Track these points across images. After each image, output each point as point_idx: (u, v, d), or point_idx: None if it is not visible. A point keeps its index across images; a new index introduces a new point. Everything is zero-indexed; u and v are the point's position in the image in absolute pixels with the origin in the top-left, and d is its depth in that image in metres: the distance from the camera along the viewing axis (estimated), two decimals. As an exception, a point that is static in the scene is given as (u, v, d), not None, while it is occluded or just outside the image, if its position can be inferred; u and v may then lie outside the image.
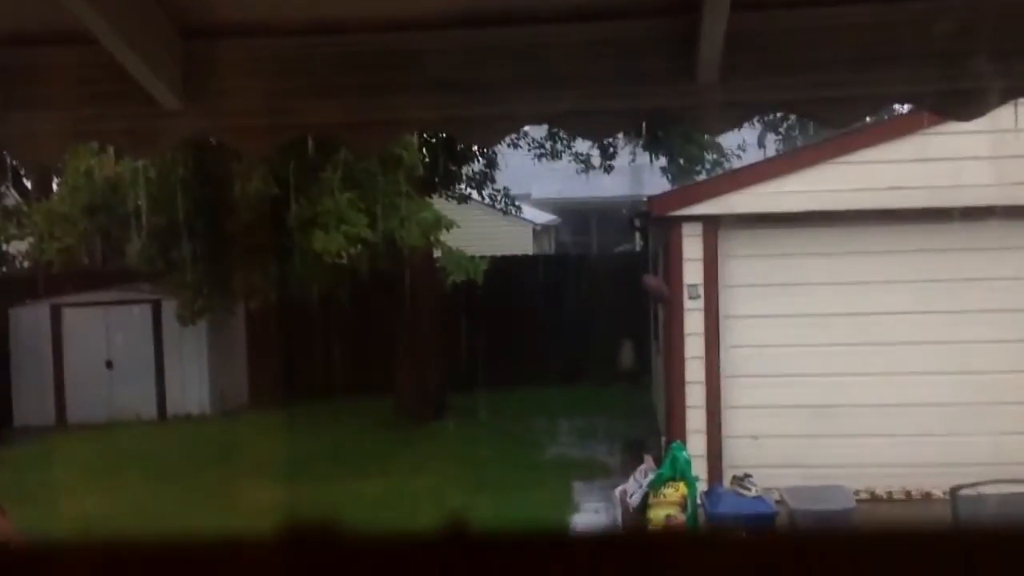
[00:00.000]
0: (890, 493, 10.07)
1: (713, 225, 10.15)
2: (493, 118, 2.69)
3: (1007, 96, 2.46)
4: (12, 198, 21.05)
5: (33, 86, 2.70)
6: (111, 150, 10.09)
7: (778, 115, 18.14)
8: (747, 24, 2.37)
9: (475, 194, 19.03)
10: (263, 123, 2.78)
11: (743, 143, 20.52)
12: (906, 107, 8.28)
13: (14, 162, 19.15)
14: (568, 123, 2.70)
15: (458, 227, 13.53)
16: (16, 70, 2.70)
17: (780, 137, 24.31)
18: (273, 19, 2.66)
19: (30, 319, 15.95)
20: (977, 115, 2.41)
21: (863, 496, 9.68)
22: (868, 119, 8.62)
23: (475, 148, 15.79)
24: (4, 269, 18.03)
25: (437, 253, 13.95)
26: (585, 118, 2.59)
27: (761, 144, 23.70)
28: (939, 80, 2.46)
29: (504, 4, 2.57)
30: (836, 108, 2.51)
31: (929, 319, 9.93)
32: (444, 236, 13.53)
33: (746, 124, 2.66)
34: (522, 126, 2.68)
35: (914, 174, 9.69)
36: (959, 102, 2.43)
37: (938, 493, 9.29)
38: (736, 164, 18.18)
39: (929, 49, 2.42)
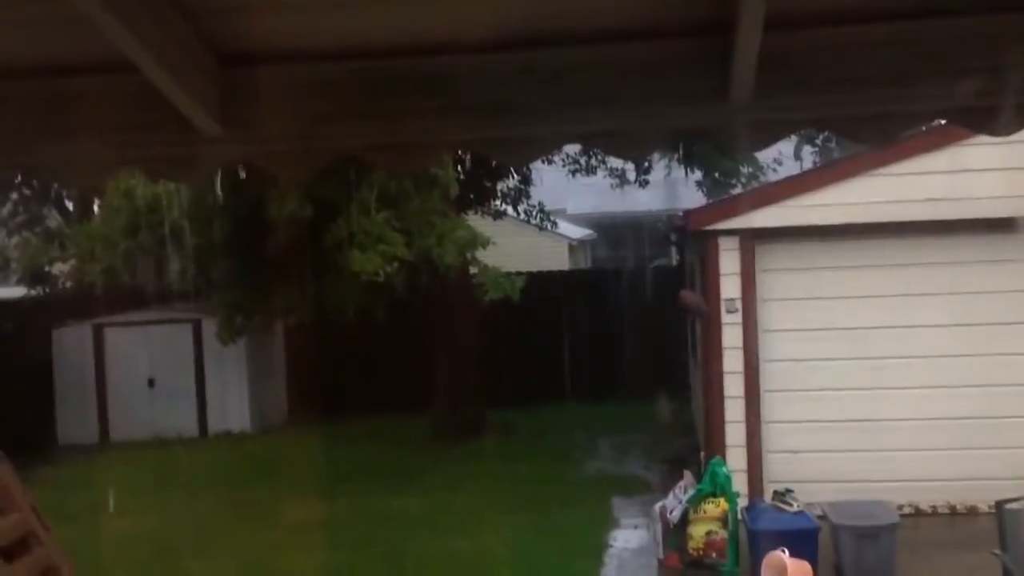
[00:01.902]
0: (934, 508, 9.97)
1: (750, 239, 10.12)
2: (526, 140, 2.72)
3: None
4: (55, 220, 21.36)
5: (75, 114, 2.75)
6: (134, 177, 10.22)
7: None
8: (780, 43, 2.38)
9: (510, 210, 19.08)
10: (299, 148, 2.81)
11: (779, 155, 20.44)
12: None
13: (56, 186, 19.46)
14: (601, 144, 2.71)
15: (494, 244, 13.58)
16: (59, 99, 2.75)
17: (816, 149, 24.18)
18: (309, 45, 2.70)
19: (73, 339, 16.16)
20: (1012, 130, 2.40)
21: (907, 511, 9.59)
22: (900, 137, 8.56)
23: (509, 166, 15.83)
24: (47, 290, 18.27)
25: (473, 270, 14.00)
26: (619, 138, 2.60)
27: (797, 156, 23.58)
28: (971, 95, 2.46)
29: (536, 27, 2.59)
30: (870, 126, 2.51)
31: (964, 332, 9.85)
32: (480, 253, 13.57)
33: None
34: (556, 147, 2.70)
35: (948, 186, 9.61)
36: (991, 117, 2.42)
37: (983, 507, 9.18)
38: (772, 177, 18.11)
39: (961, 65, 2.41)
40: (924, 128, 8.99)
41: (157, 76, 2.52)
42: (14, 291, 19.39)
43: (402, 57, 2.71)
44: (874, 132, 2.51)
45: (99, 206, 16.82)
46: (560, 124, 2.67)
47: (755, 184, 17.15)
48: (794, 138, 23.13)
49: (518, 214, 19.58)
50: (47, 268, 18.21)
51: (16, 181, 17.81)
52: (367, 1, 2.53)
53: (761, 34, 2.26)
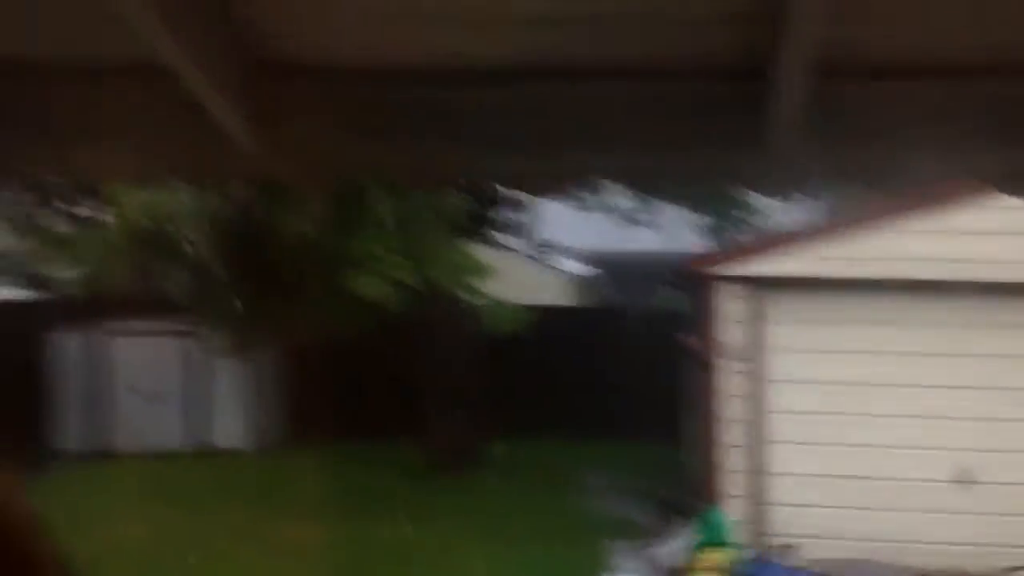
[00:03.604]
0: (944, 573, 9.77)
1: (754, 286, 10.10)
2: (554, 173, 2.71)
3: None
4: (61, 226, 21.33)
5: (106, 117, 2.75)
6: (161, 184, 10.21)
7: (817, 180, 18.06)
8: (819, 91, 2.37)
9: (512, 242, 19.09)
10: (328, 163, 2.81)
11: (770, 201, 20.39)
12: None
13: (63, 192, 19.45)
14: (630, 180, 2.71)
15: (496, 274, 13.56)
16: (90, 101, 2.74)
17: (818, 201, 24.18)
18: (345, 61, 2.70)
19: (73, 346, 16.10)
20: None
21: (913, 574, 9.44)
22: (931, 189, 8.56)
23: (515, 197, 15.87)
24: (50, 296, 18.22)
25: (475, 300, 13.97)
26: (651, 178, 2.59)
27: (801, 207, 23.58)
28: (1008, 160, 2.45)
29: (574, 60, 2.59)
30: (902, 178, 2.50)
31: (974, 394, 9.80)
32: (482, 284, 13.55)
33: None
34: (584, 180, 2.70)
35: (960, 246, 9.61)
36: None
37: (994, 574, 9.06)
38: (766, 223, 18.08)
39: (1000, 126, 2.41)
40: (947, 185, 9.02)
41: (192, 82, 2.52)
42: (14, 293, 19.33)
43: (436, 81, 2.71)
44: (904, 183, 2.50)
45: (106, 214, 16.80)
46: (588, 159, 2.66)
47: (758, 231, 17.15)
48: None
49: (521, 247, 19.60)
50: (49, 273, 18.15)
51: (27, 184, 17.79)
52: (410, 23, 2.53)
53: (802, 80, 2.26)
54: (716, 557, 8.76)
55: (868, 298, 9.96)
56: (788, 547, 8.61)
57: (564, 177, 2.82)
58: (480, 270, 13.17)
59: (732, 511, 9.63)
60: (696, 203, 16.97)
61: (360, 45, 2.66)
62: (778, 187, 2.61)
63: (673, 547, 9.07)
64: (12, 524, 0.58)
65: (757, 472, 9.99)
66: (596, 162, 2.69)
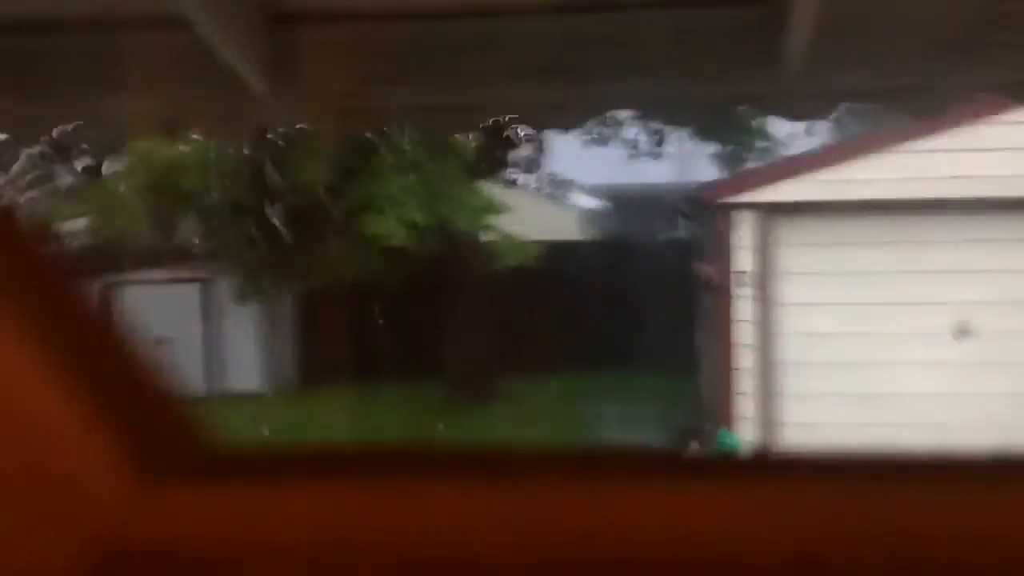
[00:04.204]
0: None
1: (766, 212, 10.10)
2: (576, 104, 2.72)
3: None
4: (68, 178, 21.37)
5: (125, 69, 2.76)
6: (179, 133, 10.21)
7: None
8: (836, 12, 2.37)
9: (522, 179, 19.06)
10: (346, 107, 2.82)
11: (792, 130, 20.31)
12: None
13: (70, 142, 19.46)
14: (653, 110, 2.72)
15: (507, 212, 13.58)
16: (109, 53, 2.76)
17: (831, 124, 24.03)
18: (359, 5, 2.70)
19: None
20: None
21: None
22: (953, 108, 8.51)
23: (523, 133, 15.83)
24: (59, 248, 18.31)
25: (488, 237, 14.00)
26: (670, 106, 2.60)
27: (810, 131, 23.45)
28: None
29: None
30: (924, 97, 2.51)
31: (991, 308, 9.83)
32: (494, 221, 13.57)
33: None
34: (606, 112, 2.71)
35: (972, 164, 9.58)
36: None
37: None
38: (786, 152, 18.04)
39: (1019, 39, 2.41)
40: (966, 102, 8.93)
41: (208, 32, 2.53)
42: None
43: (451, 19, 2.71)
44: (929, 104, 2.51)
45: (115, 165, 16.82)
46: (611, 89, 2.67)
47: (769, 159, 17.09)
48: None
49: (531, 183, 19.57)
50: (58, 225, 18.22)
51: (47, 138, 17.79)
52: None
53: (818, 2, 2.26)
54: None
55: (881, 220, 9.95)
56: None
57: (588, 109, 2.82)
58: (494, 208, 13.18)
59: (742, 433, 9.75)
60: (708, 132, 16.91)
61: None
62: (798, 112, 2.62)
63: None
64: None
65: (769, 394, 10.09)
66: (619, 92, 2.70)
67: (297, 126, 3.00)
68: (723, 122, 16.17)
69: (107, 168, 18.65)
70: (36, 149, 20.86)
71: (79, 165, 21.31)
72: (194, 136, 9.35)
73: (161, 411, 0.60)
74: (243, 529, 0.56)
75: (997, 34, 2.45)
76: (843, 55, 2.50)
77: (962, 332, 9.24)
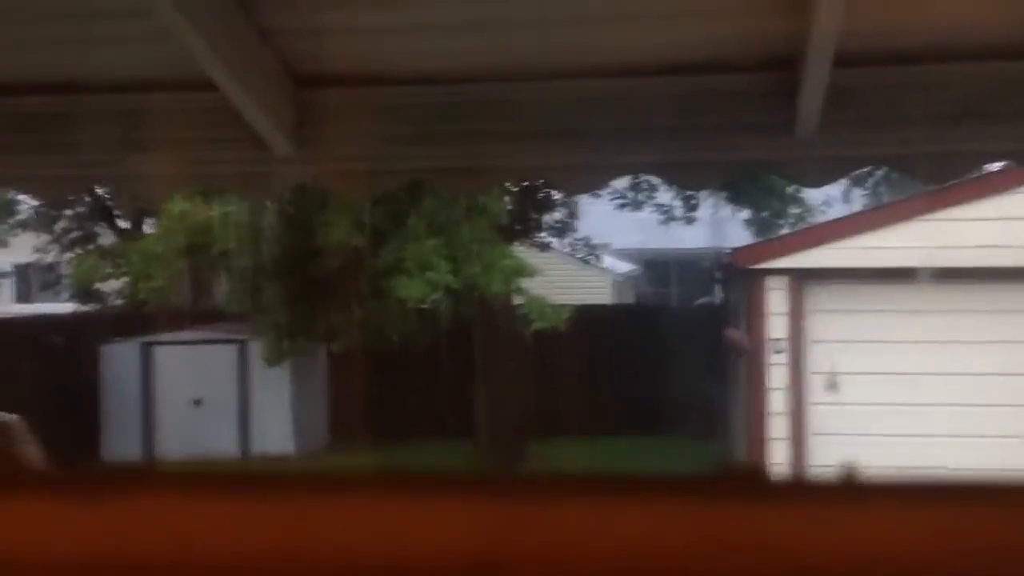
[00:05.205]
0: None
1: (799, 278, 10.07)
2: (592, 168, 2.76)
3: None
4: (108, 238, 21.66)
5: (153, 129, 2.83)
6: (207, 194, 10.37)
7: (865, 170, 17.98)
8: (848, 79, 2.40)
9: (556, 242, 19.10)
10: (369, 169, 2.88)
11: (828, 198, 20.31)
12: (1000, 164, 8.19)
13: (111, 202, 19.78)
14: (667, 174, 2.75)
15: (539, 275, 13.61)
16: (137, 114, 2.83)
17: (867, 192, 23.99)
18: (382, 70, 2.76)
19: (121, 356, 16.35)
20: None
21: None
22: (964, 176, 8.54)
23: (556, 197, 15.92)
24: (98, 307, 18.53)
25: (519, 300, 14.02)
26: (684, 169, 2.63)
27: (847, 199, 23.41)
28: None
29: (605, 56, 2.64)
30: (935, 164, 2.52)
31: (1018, 382, 9.70)
32: (526, 283, 13.60)
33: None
34: (621, 175, 2.74)
35: (1005, 233, 9.52)
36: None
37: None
38: (820, 219, 18.02)
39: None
40: (982, 171, 8.96)
41: (234, 94, 2.59)
42: (65, 307, 19.67)
43: (471, 84, 2.77)
44: (940, 170, 2.52)
45: (152, 225, 17.07)
46: (626, 154, 2.71)
47: (803, 225, 17.07)
48: (844, 181, 23.01)
49: (563, 247, 19.60)
50: (98, 285, 18.47)
51: (79, 196, 18.11)
52: (439, 29, 2.59)
53: (829, 70, 2.29)
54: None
55: (910, 287, 9.89)
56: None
57: (604, 172, 2.86)
58: (525, 271, 13.20)
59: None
60: (741, 198, 16.94)
61: (396, 53, 2.72)
62: (812, 176, 2.64)
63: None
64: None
65: (800, 465, 9.97)
66: (632, 156, 2.74)
67: (323, 187, 3.06)
68: (756, 187, 16.21)
69: (145, 229, 18.94)
70: (79, 209, 21.23)
71: (120, 225, 21.64)
72: (227, 198, 9.53)
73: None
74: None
75: (1011, 102, 2.47)
76: (855, 121, 2.52)
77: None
